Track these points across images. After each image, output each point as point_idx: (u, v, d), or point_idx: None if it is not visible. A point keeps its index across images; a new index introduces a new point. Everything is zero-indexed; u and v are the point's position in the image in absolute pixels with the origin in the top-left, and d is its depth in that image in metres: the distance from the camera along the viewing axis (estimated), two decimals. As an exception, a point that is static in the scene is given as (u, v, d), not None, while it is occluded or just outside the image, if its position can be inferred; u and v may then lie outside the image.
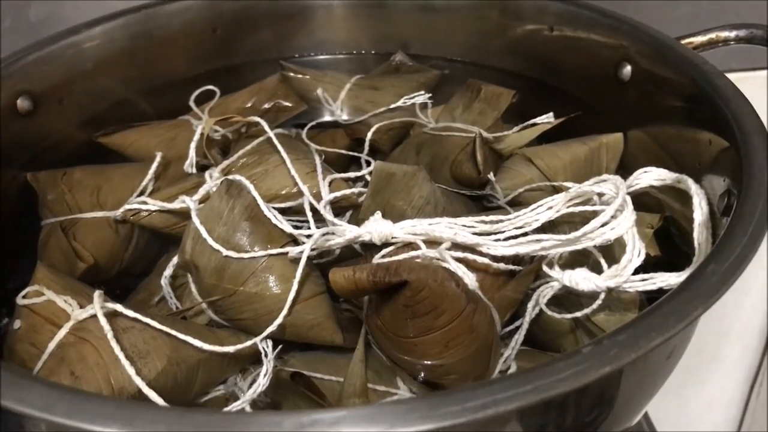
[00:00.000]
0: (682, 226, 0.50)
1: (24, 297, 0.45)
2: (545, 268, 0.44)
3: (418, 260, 0.44)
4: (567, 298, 0.45)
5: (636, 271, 0.41)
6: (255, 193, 0.48)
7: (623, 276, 0.41)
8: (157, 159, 0.57)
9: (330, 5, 0.73)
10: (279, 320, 0.43)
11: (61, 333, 0.41)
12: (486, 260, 0.44)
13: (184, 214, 0.50)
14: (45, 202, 0.56)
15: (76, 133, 0.64)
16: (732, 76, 0.51)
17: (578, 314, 0.44)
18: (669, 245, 0.51)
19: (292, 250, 0.46)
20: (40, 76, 0.60)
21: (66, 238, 0.52)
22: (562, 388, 0.29)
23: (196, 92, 0.67)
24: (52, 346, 0.41)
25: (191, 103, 0.67)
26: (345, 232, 0.46)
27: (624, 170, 0.58)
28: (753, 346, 1.08)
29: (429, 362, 0.41)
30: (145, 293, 0.52)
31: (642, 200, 0.47)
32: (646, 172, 0.46)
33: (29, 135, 0.59)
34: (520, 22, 0.68)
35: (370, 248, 0.47)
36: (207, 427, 0.28)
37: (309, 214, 0.49)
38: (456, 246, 0.44)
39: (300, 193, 0.52)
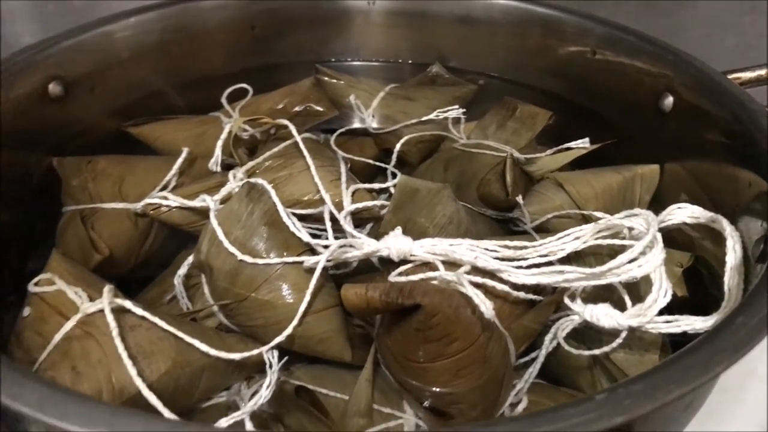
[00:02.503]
0: (713, 267, 0.49)
1: (36, 284, 0.44)
2: (567, 301, 0.42)
3: (435, 282, 0.43)
4: (586, 333, 0.44)
5: (661, 312, 0.40)
6: (276, 199, 0.47)
7: (647, 316, 0.40)
8: (183, 154, 0.57)
9: (369, 11, 0.72)
10: (288, 330, 0.42)
11: (68, 326, 0.41)
12: (506, 288, 0.43)
13: (205, 213, 0.49)
14: (68, 189, 0.56)
15: (106, 122, 0.64)
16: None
17: (597, 351, 0.42)
18: (698, 286, 0.49)
19: (308, 260, 0.45)
20: (74, 63, 0.60)
21: (84, 228, 0.52)
22: (570, 436, 0.28)
23: (229, 89, 0.66)
24: (57, 338, 0.41)
25: (223, 100, 0.66)
26: (363, 245, 0.45)
27: (657, 203, 0.57)
28: (780, 388, 1.04)
29: (437, 389, 0.40)
30: (158, 289, 0.51)
31: (673, 236, 0.46)
32: (680, 208, 0.44)
33: (58, 120, 0.59)
34: (562, 42, 0.67)
35: (388, 264, 0.46)
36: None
37: (328, 224, 0.48)
38: (476, 270, 0.43)
39: (322, 201, 0.50)
